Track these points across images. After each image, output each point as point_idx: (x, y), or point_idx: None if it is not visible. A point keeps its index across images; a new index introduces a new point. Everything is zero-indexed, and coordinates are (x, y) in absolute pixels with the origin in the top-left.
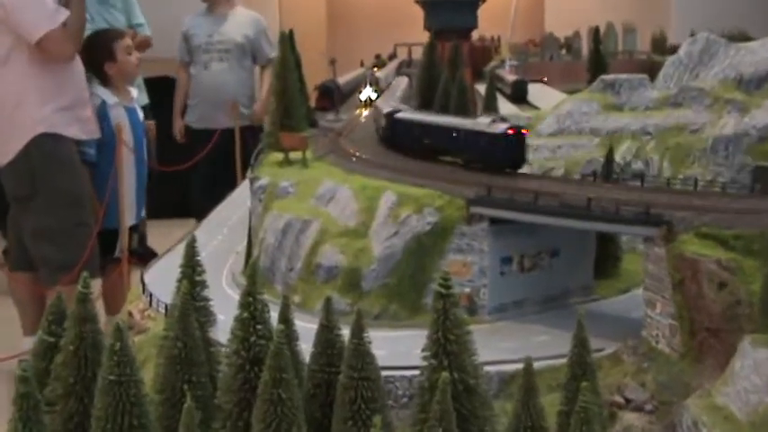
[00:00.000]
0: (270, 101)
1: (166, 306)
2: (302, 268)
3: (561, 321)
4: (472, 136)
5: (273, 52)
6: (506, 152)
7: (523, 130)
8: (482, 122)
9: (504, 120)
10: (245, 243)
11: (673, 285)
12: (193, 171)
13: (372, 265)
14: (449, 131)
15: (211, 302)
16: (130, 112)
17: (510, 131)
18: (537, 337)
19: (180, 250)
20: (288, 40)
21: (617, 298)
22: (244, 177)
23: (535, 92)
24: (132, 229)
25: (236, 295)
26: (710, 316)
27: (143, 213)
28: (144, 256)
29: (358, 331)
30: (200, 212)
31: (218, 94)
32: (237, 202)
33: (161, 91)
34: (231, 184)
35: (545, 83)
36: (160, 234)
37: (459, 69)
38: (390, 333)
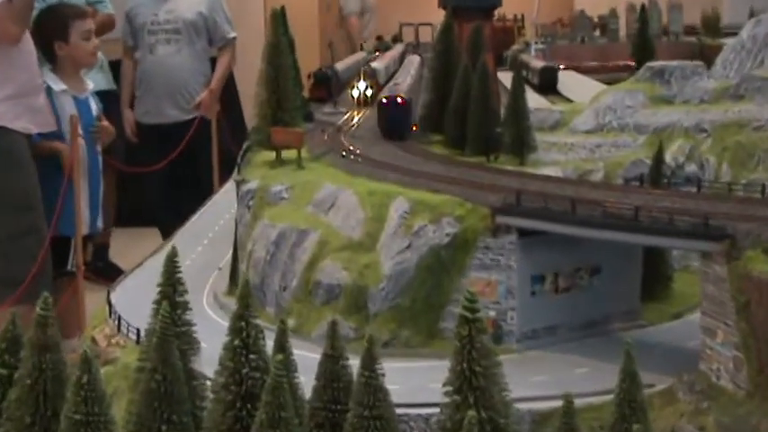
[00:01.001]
0: (217, 91)
1: (138, 331)
2: (298, 287)
3: (603, 351)
4: None
5: (232, 31)
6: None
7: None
8: None
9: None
10: (229, 257)
11: (737, 310)
12: (151, 175)
13: (381, 283)
14: None
15: (195, 328)
16: (80, 104)
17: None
18: (575, 369)
19: (151, 266)
20: (280, 19)
21: (668, 324)
22: (207, 178)
23: (567, 81)
24: (86, 239)
25: (219, 319)
26: None
27: (99, 223)
28: (103, 271)
29: (369, 362)
30: (160, 222)
31: (166, 83)
32: (219, 209)
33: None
34: (194, 187)
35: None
36: (122, 246)
37: (481, 55)
38: (402, 363)
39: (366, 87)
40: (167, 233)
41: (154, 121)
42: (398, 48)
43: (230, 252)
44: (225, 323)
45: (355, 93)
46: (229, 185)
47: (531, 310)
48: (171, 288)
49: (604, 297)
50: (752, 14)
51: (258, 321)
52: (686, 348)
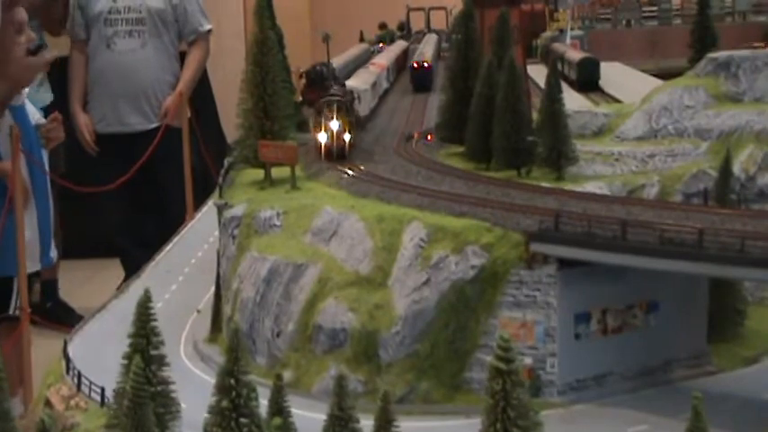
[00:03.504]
0: (187, 94)
1: (103, 391)
2: (295, 332)
3: (664, 405)
4: None
5: (206, 23)
6: None
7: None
8: None
9: None
10: (210, 297)
11: None
12: (107, 195)
13: (395, 326)
14: None
15: (173, 386)
16: (17, 113)
17: None
18: (630, 426)
19: (114, 309)
20: (265, 10)
21: (742, 371)
22: (176, 199)
23: (611, 75)
24: (32, 277)
25: (201, 372)
26: None
27: (52, 254)
28: (54, 312)
29: (385, 423)
30: (122, 252)
31: (127, 84)
32: (195, 239)
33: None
34: (161, 211)
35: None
36: (72, 281)
37: (509, 48)
38: (422, 422)
39: (341, 129)
40: (130, 266)
41: (111, 130)
42: (398, 45)
43: (211, 291)
44: (208, 378)
45: (323, 138)
46: (206, 209)
47: (576, 356)
48: (144, 339)
49: (663, 339)
50: None
51: (250, 377)
52: (765, 400)
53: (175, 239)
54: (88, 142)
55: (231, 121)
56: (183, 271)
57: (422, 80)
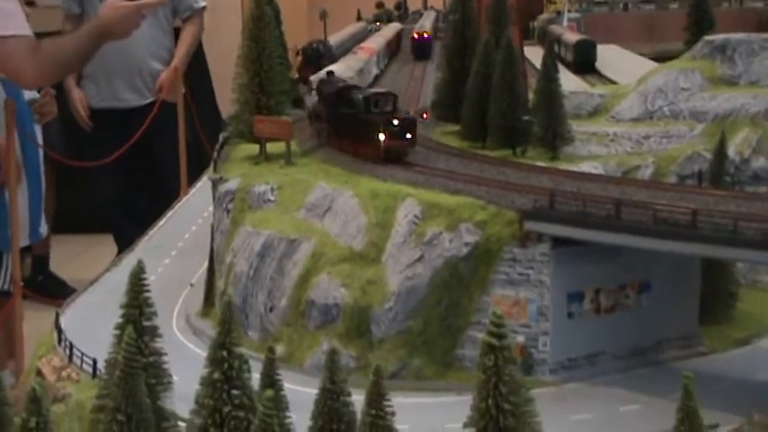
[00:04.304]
0: (182, 70)
1: (95, 362)
2: (288, 307)
3: (655, 384)
4: None
5: (201, 0)
6: None
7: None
8: None
9: None
10: (203, 272)
11: None
12: (101, 170)
13: (387, 302)
14: None
15: (165, 358)
16: (9, 87)
17: None
18: (622, 405)
19: (107, 282)
20: None
21: (733, 352)
22: (171, 175)
23: (607, 57)
24: (23, 251)
25: (194, 346)
26: None
27: (42, 229)
28: (45, 286)
29: (376, 398)
30: (115, 228)
31: (122, 60)
32: (189, 213)
33: None
34: (155, 186)
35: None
36: (65, 256)
37: (506, 28)
38: (414, 398)
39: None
40: (123, 241)
41: (106, 105)
42: (391, 28)
43: (204, 265)
44: (200, 351)
45: (382, 137)
46: (201, 184)
47: (568, 335)
48: (137, 310)
49: (655, 319)
50: None
51: (243, 350)
52: (755, 381)
53: (169, 214)
54: (82, 117)
55: (227, 97)
56: (176, 245)
57: (422, 50)
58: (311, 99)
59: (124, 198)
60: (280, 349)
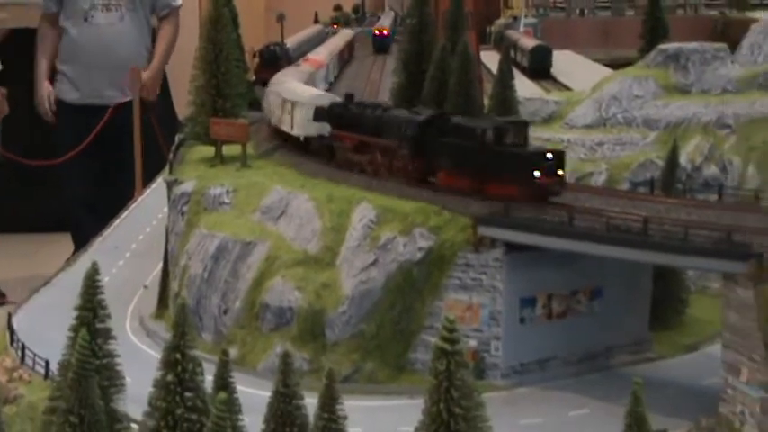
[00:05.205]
0: (162, 68)
1: (47, 363)
2: (242, 310)
3: (605, 390)
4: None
5: None
6: None
7: None
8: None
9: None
10: (157, 273)
11: (765, 344)
12: (66, 167)
13: (341, 306)
14: None
15: (118, 360)
16: None
17: None
18: (572, 410)
19: (60, 283)
20: None
21: (681, 358)
22: (142, 175)
23: (563, 63)
24: None
25: (147, 347)
26: None
27: None
28: None
29: (329, 402)
30: (78, 228)
31: (105, 57)
32: (144, 214)
33: (20, 49)
34: (125, 187)
35: None
36: (15, 256)
37: (463, 34)
38: (366, 402)
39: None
40: (81, 237)
41: (85, 101)
42: (342, 36)
43: (158, 267)
44: (154, 353)
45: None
46: (156, 186)
47: (520, 340)
48: (90, 312)
49: (607, 325)
50: None
51: (197, 353)
52: (704, 387)
53: (124, 215)
54: (47, 112)
55: (183, 99)
56: (130, 247)
57: (381, 45)
58: (317, 121)
59: (89, 194)
60: (233, 351)
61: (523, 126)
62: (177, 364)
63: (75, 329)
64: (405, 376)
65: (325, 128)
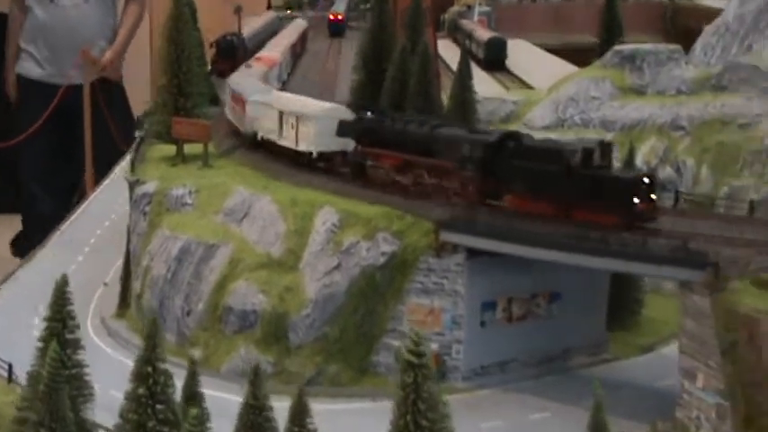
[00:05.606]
0: (125, 49)
1: (11, 367)
2: (205, 312)
3: (564, 391)
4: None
5: None
6: None
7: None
8: None
9: None
10: (116, 269)
11: (722, 350)
12: (24, 146)
13: (305, 309)
14: None
15: (87, 370)
16: None
17: None
18: (532, 413)
19: (21, 281)
20: None
21: (637, 359)
22: (96, 158)
23: (517, 54)
24: None
25: (109, 348)
26: None
27: None
28: None
29: (300, 414)
30: (31, 206)
31: (71, 38)
32: (101, 208)
33: None
34: (81, 166)
35: None
36: None
37: (423, 34)
38: (330, 405)
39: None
40: (33, 220)
41: (51, 80)
42: (295, 28)
43: (117, 264)
44: (116, 354)
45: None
46: (111, 180)
47: (481, 343)
48: (60, 324)
49: (565, 327)
50: None
51: (167, 366)
52: (659, 389)
53: (80, 209)
54: (14, 96)
55: (136, 91)
56: (88, 242)
57: (336, 29)
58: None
59: (47, 172)
60: (196, 353)
61: (609, 147)
62: (149, 377)
63: (44, 340)
64: (367, 379)
65: (348, 144)
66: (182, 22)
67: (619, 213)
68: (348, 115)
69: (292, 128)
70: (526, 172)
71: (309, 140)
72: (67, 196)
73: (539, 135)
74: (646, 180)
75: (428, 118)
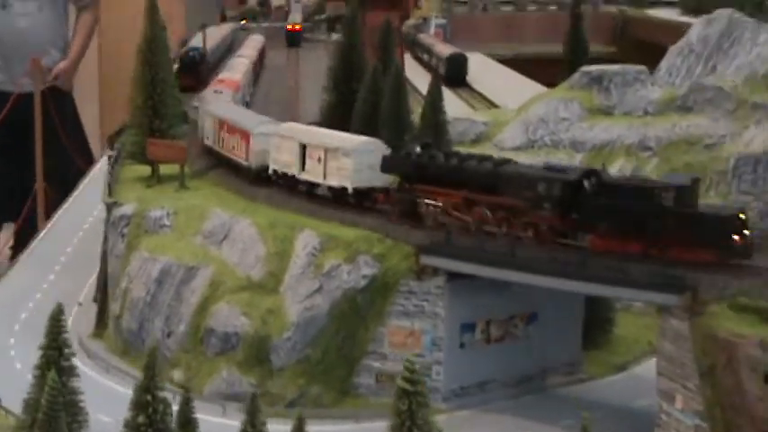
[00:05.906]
0: (80, 59)
1: None
2: (186, 334)
3: (541, 410)
4: None
5: None
6: None
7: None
8: None
9: None
10: (89, 288)
11: (700, 373)
12: None
13: (287, 332)
14: None
15: (82, 397)
16: None
17: None
18: None
19: (3, 300)
20: (154, 9)
21: (611, 379)
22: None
23: (476, 69)
24: None
25: (88, 369)
26: (753, 418)
27: None
28: None
29: None
30: None
31: (22, 46)
32: (71, 224)
33: None
34: (30, 176)
35: None
36: None
37: (394, 56)
38: (312, 426)
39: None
40: None
41: (2, 87)
42: (253, 44)
43: (90, 282)
44: (97, 376)
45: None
46: (77, 196)
47: (460, 364)
48: (56, 352)
49: (542, 348)
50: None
51: (165, 393)
52: (634, 409)
53: (49, 225)
54: None
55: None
56: (59, 260)
57: (293, 39)
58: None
59: (4, 178)
60: (177, 374)
61: (697, 184)
62: (148, 406)
63: (41, 369)
64: (349, 400)
65: (386, 179)
66: (156, 45)
67: (717, 250)
68: (384, 150)
69: (319, 162)
70: (613, 211)
71: (344, 175)
72: (19, 203)
73: (510, 156)
74: (741, 216)
75: (487, 155)
